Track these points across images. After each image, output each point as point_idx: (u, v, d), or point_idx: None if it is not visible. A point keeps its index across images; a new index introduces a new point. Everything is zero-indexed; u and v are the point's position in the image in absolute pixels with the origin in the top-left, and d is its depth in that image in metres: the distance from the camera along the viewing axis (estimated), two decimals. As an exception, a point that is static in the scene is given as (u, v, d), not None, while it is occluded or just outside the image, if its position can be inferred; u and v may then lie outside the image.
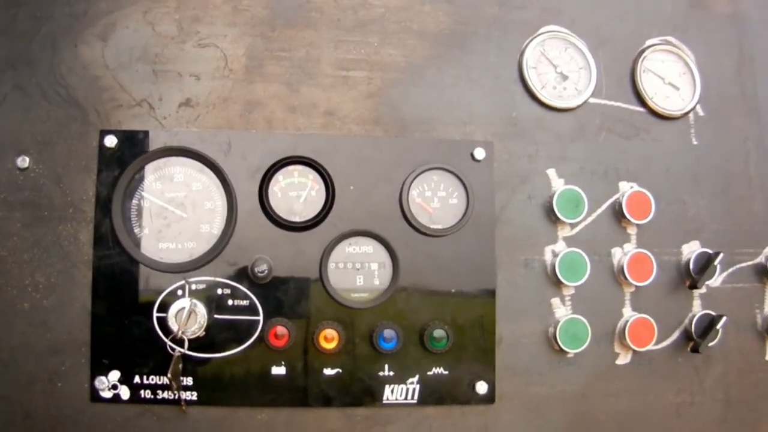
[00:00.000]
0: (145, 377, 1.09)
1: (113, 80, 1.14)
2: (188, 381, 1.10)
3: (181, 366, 1.09)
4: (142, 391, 1.09)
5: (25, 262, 1.10)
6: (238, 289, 1.11)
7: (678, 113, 1.26)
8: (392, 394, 1.13)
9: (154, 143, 1.12)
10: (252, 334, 1.10)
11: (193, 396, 1.10)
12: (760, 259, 1.26)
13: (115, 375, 1.09)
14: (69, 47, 1.15)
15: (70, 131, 1.13)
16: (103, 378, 1.09)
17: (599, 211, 1.21)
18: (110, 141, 1.12)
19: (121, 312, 1.09)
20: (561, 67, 1.23)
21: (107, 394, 1.09)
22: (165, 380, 1.08)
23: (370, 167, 1.15)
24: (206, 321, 1.09)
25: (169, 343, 1.08)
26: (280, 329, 1.09)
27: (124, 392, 1.09)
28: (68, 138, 1.13)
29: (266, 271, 1.09)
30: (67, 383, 1.09)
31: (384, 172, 1.15)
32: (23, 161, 1.11)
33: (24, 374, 1.09)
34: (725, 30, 1.32)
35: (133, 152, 1.12)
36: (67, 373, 1.09)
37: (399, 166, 1.16)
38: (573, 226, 1.20)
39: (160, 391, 1.09)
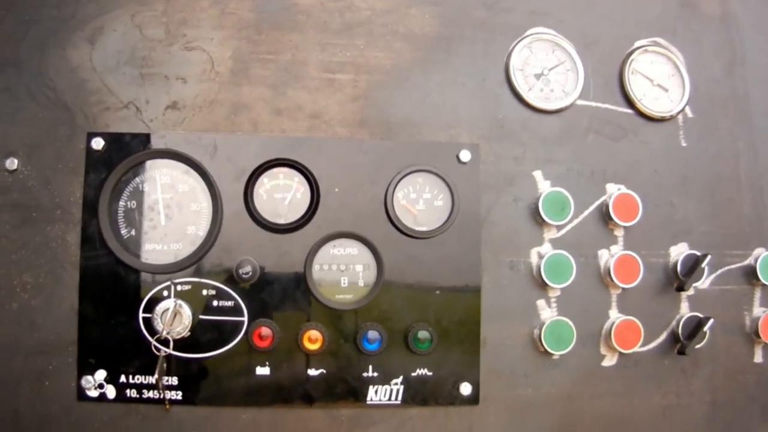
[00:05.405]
0: (130, 377, 1.10)
1: (101, 83, 1.15)
2: (173, 381, 1.11)
3: (165, 365, 1.09)
4: (127, 391, 1.10)
5: (14, 263, 1.11)
6: (223, 290, 1.11)
7: (667, 115, 1.25)
8: (376, 394, 1.13)
9: (141, 146, 1.13)
10: (237, 335, 1.11)
11: (177, 395, 1.11)
12: (749, 261, 1.26)
13: (101, 374, 1.10)
14: (57, 50, 1.16)
15: (58, 134, 1.14)
16: (89, 377, 1.10)
17: (586, 213, 1.21)
18: (97, 143, 1.13)
19: (108, 312, 1.11)
20: (547, 69, 1.23)
21: (93, 393, 1.10)
22: (151, 380, 1.09)
23: (355, 170, 1.15)
24: (191, 321, 1.09)
25: (154, 343, 1.09)
26: (265, 330, 1.10)
27: (110, 391, 1.10)
28: (56, 140, 1.14)
29: (251, 273, 1.10)
30: (54, 382, 1.11)
31: (369, 174, 1.15)
32: (12, 163, 1.12)
33: (12, 373, 1.10)
34: (715, 31, 1.31)
35: (120, 154, 1.13)
36: (54, 373, 1.11)
37: (384, 168, 1.16)
38: (559, 228, 1.20)
39: (145, 391, 1.10)
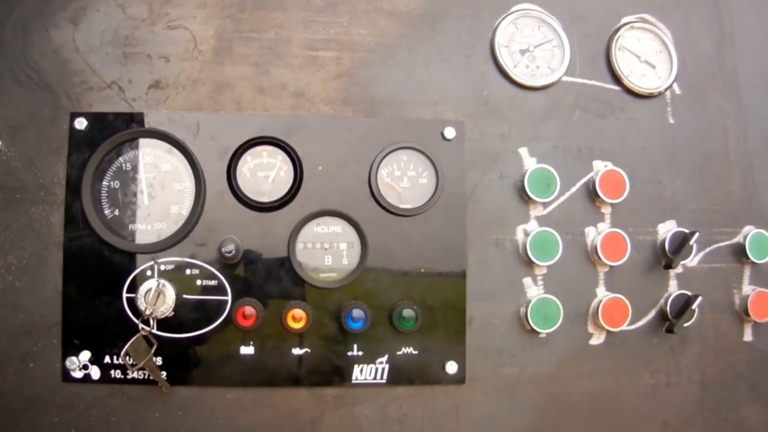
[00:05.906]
0: (115, 357, 1.10)
1: (84, 63, 1.15)
2: (158, 361, 1.10)
3: (154, 347, 1.09)
4: (112, 371, 1.10)
5: (-2, 245, 1.11)
6: (207, 269, 1.11)
7: (654, 91, 1.24)
8: (361, 373, 1.13)
9: (124, 125, 1.12)
10: (220, 314, 1.11)
11: (162, 376, 1.10)
12: (738, 238, 1.25)
13: (85, 355, 1.10)
14: (40, 31, 1.15)
15: (41, 115, 1.13)
16: (74, 358, 1.10)
17: (572, 190, 1.20)
18: (80, 123, 1.12)
19: (92, 293, 1.10)
20: (533, 46, 1.22)
21: (78, 374, 1.10)
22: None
23: (338, 147, 1.15)
24: (175, 301, 1.09)
25: (139, 323, 1.08)
26: (248, 309, 1.09)
27: (95, 372, 1.10)
28: (40, 121, 1.13)
29: (234, 252, 1.09)
30: (39, 363, 1.10)
31: (353, 152, 1.15)
32: (-5, 145, 1.12)
33: (-4, 355, 1.10)
34: (703, 7, 1.30)
35: (103, 134, 1.12)
36: (38, 354, 1.10)
37: (368, 146, 1.15)
38: (545, 205, 1.19)
39: (129, 372, 1.10)
